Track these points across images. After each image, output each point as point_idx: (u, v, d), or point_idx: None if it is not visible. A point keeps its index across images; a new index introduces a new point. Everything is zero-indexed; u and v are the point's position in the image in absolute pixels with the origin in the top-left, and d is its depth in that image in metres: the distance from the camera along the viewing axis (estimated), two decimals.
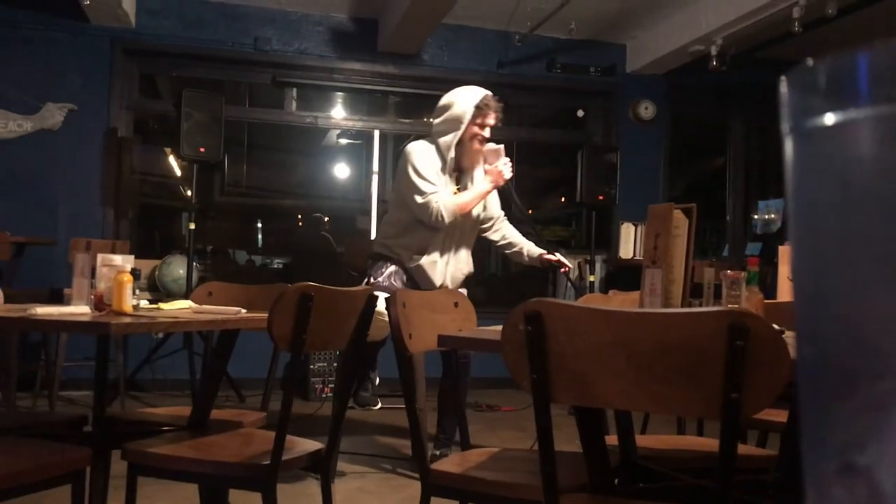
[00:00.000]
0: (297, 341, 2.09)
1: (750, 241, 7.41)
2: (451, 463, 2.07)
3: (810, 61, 0.25)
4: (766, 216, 7.56)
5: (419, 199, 3.61)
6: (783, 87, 0.26)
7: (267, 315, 2.06)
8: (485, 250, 9.49)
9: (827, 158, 0.25)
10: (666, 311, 1.54)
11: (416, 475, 2.06)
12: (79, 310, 2.23)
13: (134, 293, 2.28)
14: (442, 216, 3.59)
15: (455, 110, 3.71)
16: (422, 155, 3.68)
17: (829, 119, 0.25)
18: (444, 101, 3.77)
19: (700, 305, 1.93)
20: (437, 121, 3.76)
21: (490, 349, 1.69)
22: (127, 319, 2.11)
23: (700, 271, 2.16)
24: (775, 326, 1.38)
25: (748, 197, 7.60)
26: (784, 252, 3.81)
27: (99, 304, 2.26)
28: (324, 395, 5.70)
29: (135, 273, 2.28)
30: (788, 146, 0.27)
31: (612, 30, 6.69)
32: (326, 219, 7.81)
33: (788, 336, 1.42)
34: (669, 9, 6.14)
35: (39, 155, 5.96)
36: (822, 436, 0.28)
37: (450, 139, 3.70)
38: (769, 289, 3.96)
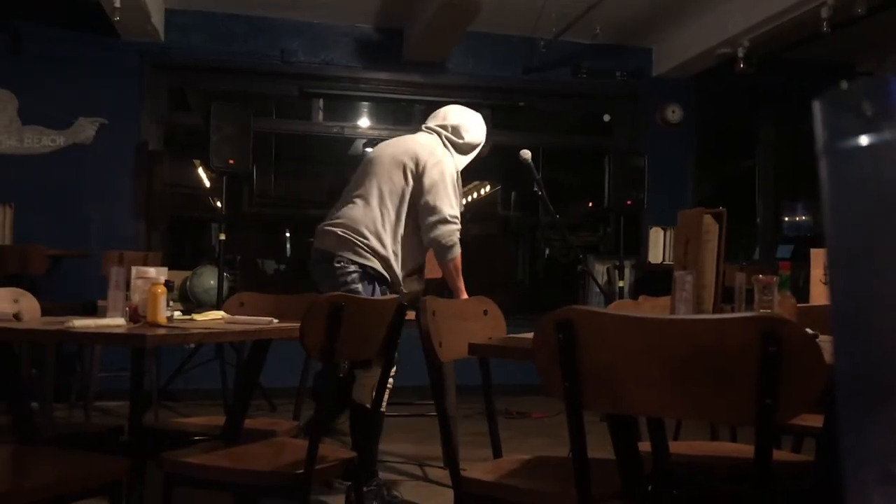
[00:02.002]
0: (329, 350, 2.11)
1: (780, 244, 7.34)
2: (483, 471, 2.08)
3: (844, 83, 0.26)
4: (797, 218, 7.49)
5: (451, 217, 3.28)
6: (817, 108, 0.27)
7: (299, 325, 2.08)
8: (512, 256, 9.49)
9: (861, 178, 0.26)
10: (698, 317, 1.53)
11: (449, 483, 2.07)
12: (114, 322, 2.26)
13: (167, 305, 2.31)
14: (454, 245, 3.30)
15: (476, 138, 3.52)
16: (454, 173, 3.41)
17: (864, 140, 0.25)
18: (466, 121, 3.51)
19: (732, 311, 1.92)
20: (462, 139, 3.48)
21: (521, 357, 1.69)
22: (162, 331, 2.14)
23: (731, 276, 2.15)
24: (809, 331, 1.37)
25: (778, 199, 7.52)
26: (816, 254, 3.76)
27: (134, 315, 2.30)
28: None
29: (168, 285, 2.31)
30: (823, 166, 0.27)
31: (638, 33, 6.67)
32: None
33: (822, 340, 1.41)
34: (695, 12, 6.11)
35: (72, 169, 6.06)
36: (860, 445, 0.28)
37: (465, 162, 3.53)
38: (801, 292, 3.92)
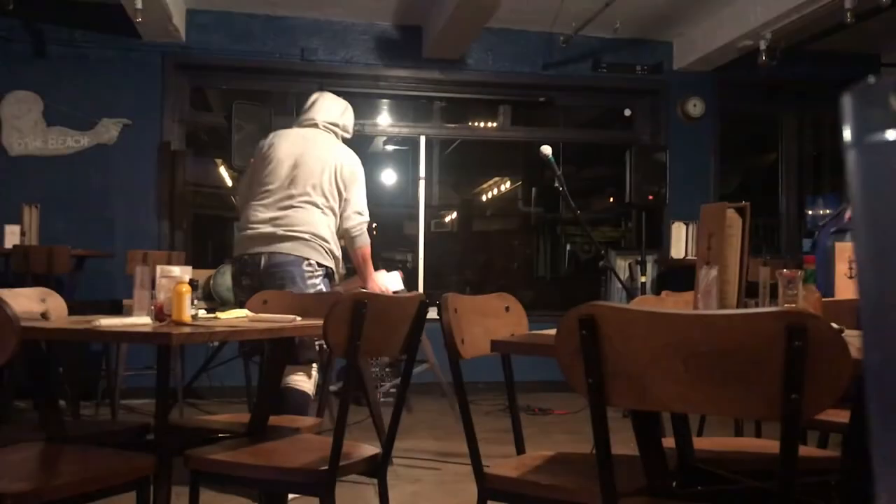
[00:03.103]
0: (352, 348, 2.12)
1: (804, 237, 7.27)
2: (507, 467, 2.08)
3: (871, 79, 0.26)
4: (821, 211, 7.41)
5: (363, 211, 3.64)
6: (845, 103, 0.27)
7: (322, 323, 2.09)
8: (532, 251, 9.48)
9: (889, 172, 0.26)
10: (723, 312, 1.53)
11: (471, 478, 2.07)
12: (140, 321, 2.29)
13: (192, 303, 2.33)
14: (362, 234, 3.65)
15: (351, 131, 3.91)
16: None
17: (891, 135, 0.25)
18: (350, 120, 3.87)
19: (756, 305, 1.91)
20: (348, 134, 3.86)
21: (544, 354, 1.69)
22: (187, 329, 2.16)
23: (754, 270, 2.13)
24: (834, 325, 1.36)
25: (801, 192, 7.45)
26: (840, 248, 3.73)
27: (159, 314, 2.32)
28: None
29: (193, 284, 2.33)
30: (851, 159, 0.27)
31: (658, 27, 6.63)
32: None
33: (848, 335, 1.40)
34: (716, 4, 6.06)
35: (96, 169, 6.12)
36: (891, 440, 0.28)
37: None
38: (825, 286, 3.88)
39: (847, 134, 0.27)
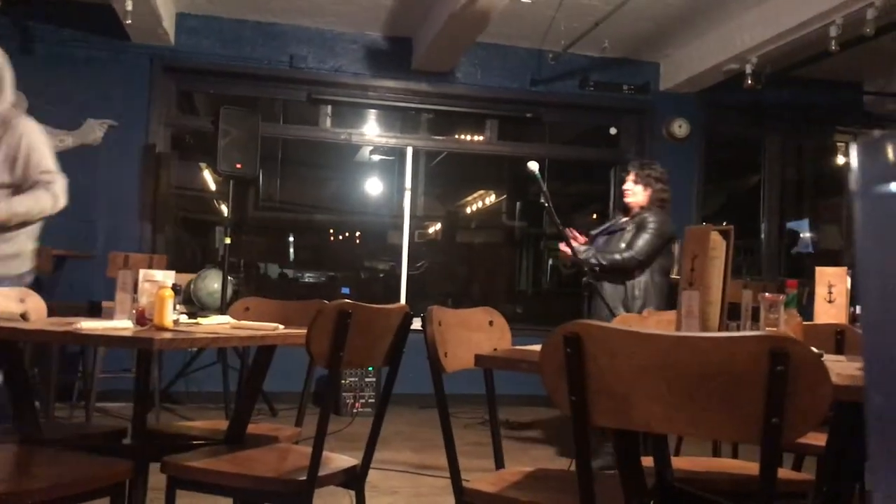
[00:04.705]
0: (335, 358, 2.12)
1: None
2: (486, 482, 2.08)
3: (878, 132, 0.27)
4: (802, 234, 7.49)
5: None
6: (853, 155, 0.27)
7: (305, 331, 2.08)
8: (516, 266, 9.49)
9: (893, 220, 0.26)
10: (706, 335, 1.54)
11: (449, 492, 2.07)
12: (121, 324, 2.27)
13: (175, 308, 2.32)
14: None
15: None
16: None
17: (894, 186, 0.26)
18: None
19: (737, 328, 1.93)
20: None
21: (527, 370, 1.69)
22: (168, 335, 2.15)
23: (736, 292, 2.15)
24: (814, 349, 1.37)
25: (783, 215, 7.53)
26: (820, 273, 3.76)
27: (141, 318, 2.31)
28: (355, 411, 5.73)
29: (175, 289, 2.32)
30: (858, 210, 0.28)
31: (646, 48, 6.69)
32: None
33: (827, 359, 1.42)
34: (704, 27, 6.13)
35: (80, 170, 6.05)
36: (891, 478, 0.29)
37: None
38: (805, 310, 3.91)
39: (854, 184, 0.28)
